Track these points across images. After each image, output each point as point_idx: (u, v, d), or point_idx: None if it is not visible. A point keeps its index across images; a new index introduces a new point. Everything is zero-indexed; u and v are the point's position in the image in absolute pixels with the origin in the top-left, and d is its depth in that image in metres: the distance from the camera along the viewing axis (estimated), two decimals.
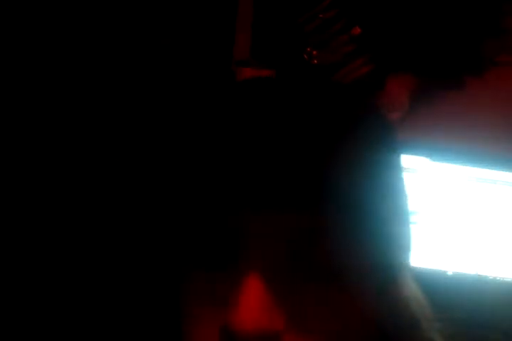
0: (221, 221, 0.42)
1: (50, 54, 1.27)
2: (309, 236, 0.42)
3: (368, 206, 0.42)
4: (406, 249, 0.49)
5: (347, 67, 1.30)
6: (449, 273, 1.27)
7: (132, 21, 1.31)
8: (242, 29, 1.42)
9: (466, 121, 1.32)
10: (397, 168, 0.47)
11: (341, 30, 1.31)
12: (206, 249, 0.43)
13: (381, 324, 0.45)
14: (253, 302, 0.41)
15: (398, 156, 0.47)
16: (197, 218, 0.43)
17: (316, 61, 1.32)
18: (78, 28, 1.28)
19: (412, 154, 1.26)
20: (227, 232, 0.42)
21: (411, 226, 0.48)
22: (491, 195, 1.27)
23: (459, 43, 1.28)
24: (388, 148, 0.46)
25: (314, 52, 1.32)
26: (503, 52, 1.31)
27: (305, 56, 1.33)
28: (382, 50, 1.29)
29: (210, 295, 0.43)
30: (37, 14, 1.26)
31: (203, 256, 0.43)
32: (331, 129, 0.42)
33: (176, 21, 1.35)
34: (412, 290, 0.49)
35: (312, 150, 0.41)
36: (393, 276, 0.47)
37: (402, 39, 1.28)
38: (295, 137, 0.41)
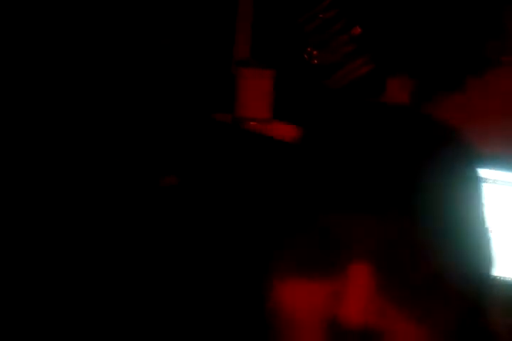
0: (322, 220, 0.45)
1: (50, 54, 1.27)
2: (405, 243, 0.44)
3: (455, 218, 0.45)
4: (491, 261, 0.52)
5: (347, 67, 1.30)
6: None
7: (133, 21, 1.31)
8: (242, 29, 1.42)
9: (466, 121, 1.31)
10: (476, 182, 0.50)
11: (341, 30, 1.31)
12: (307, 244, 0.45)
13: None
14: (363, 294, 0.43)
15: (476, 171, 0.50)
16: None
17: (316, 61, 1.32)
18: (78, 28, 1.28)
19: None
20: (325, 229, 0.45)
21: (491, 239, 0.51)
22: (491, 194, 1.27)
23: (460, 44, 1.28)
24: (469, 164, 0.49)
25: (314, 52, 1.32)
26: (504, 52, 1.31)
27: (305, 56, 1.33)
28: (383, 50, 1.29)
29: (302, 265, 0.45)
30: (37, 14, 1.26)
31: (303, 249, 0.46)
32: (421, 148, 0.46)
33: (176, 21, 1.35)
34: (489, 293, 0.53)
35: (406, 166, 0.45)
36: (481, 286, 0.50)
37: (402, 39, 1.28)
38: (392, 156, 0.45)
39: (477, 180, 0.50)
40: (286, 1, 1.37)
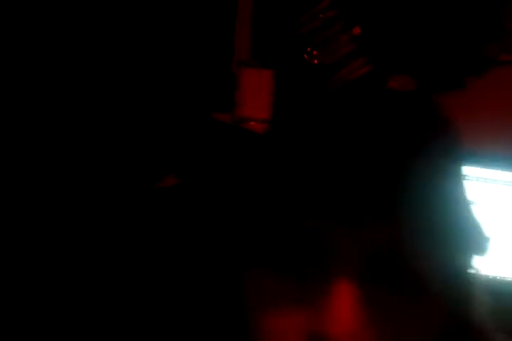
0: (302, 229, 0.43)
1: (50, 54, 1.27)
2: (389, 248, 0.43)
3: (440, 214, 0.44)
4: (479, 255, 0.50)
5: (347, 67, 1.30)
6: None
7: (132, 22, 1.31)
8: (242, 29, 1.42)
9: (466, 121, 1.31)
10: (460, 177, 0.49)
11: (341, 30, 1.31)
12: (282, 250, 0.44)
13: (452, 331, 0.47)
14: (347, 308, 0.41)
15: (461, 166, 0.49)
16: (280, 223, 0.44)
17: (316, 61, 1.32)
18: (78, 28, 1.28)
19: None
20: (306, 240, 0.43)
21: (483, 232, 0.50)
22: (491, 194, 1.27)
23: (460, 43, 1.28)
24: (454, 159, 0.49)
25: (314, 52, 1.32)
26: (504, 52, 1.32)
27: (305, 56, 1.33)
28: (383, 50, 1.29)
29: (279, 295, 0.44)
30: (37, 14, 1.26)
31: (277, 257, 0.44)
32: (403, 144, 0.44)
33: (176, 21, 1.35)
34: (479, 299, 0.51)
35: (386, 165, 0.43)
36: (467, 284, 0.48)
37: (402, 39, 1.28)
38: (371, 154, 0.43)
39: (460, 179, 0.49)
40: (286, 1, 1.37)
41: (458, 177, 0.49)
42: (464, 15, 1.28)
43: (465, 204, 0.48)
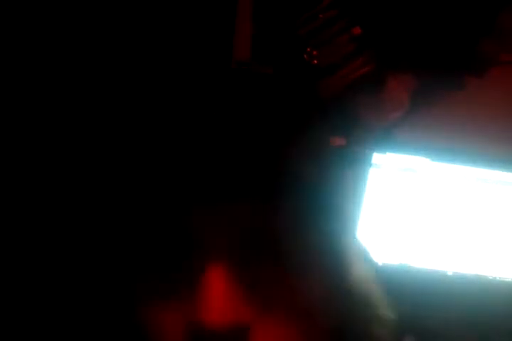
0: (171, 219, 0.43)
1: (50, 54, 1.27)
2: (259, 223, 0.42)
3: (315, 193, 0.43)
4: (351, 228, 0.50)
5: (347, 67, 1.30)
6: (449, 273, 1.27)
7: (132, 22, 1.31)
8: (242, 29, 1.42)
9: (466, 121, 1.31)
10: (341, 168, 0.48)
11: (341, 30, 1.31)
12: (157, 250, 0.44)
13: (334, 302, 0.46)
14: (219, 294, 0.41)
15: (340, 156, 0.48)
16: (146, 219, 0.44)
17: (316, 61, 1.32)
18: (78, 29, 1.28)
19: (411, 154, 1.26)
20: (179, 230, 0.43)
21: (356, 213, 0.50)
22: (491, 195, 1.27)
23: (459, 43, 1.28)
24: (331, 147, 0.48)
25: (314, 52, 1.32)
26: (502, 51, 1.31)
27: (305, 56, 1.33)
28: (383, 50, 1.29)
29: (166, 294, 0.43)
30: (37, 14, 1.26)
31: (154, 258, 0.44)
32: (283, 126, 0.43)
33: (175, 21, 1.35)
34: (361, 269, 0.50)
35: (262, 144, 0.42)
36: (341, 257, 0.47)
37: (402, 38, 1.28)
38: (248, 133, 0.42)
39: (342, 166, 0.48)
40: (286, 1, 1.37)
41: (337, 166, 0.47)
42: (463, 15, 1.28)
43: (344, 192, 0.47)
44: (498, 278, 1.29)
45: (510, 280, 1.29)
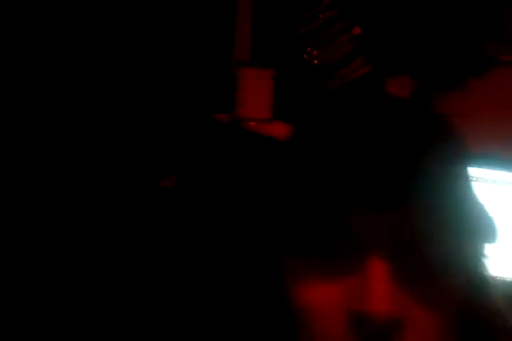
0: (334, 214, 0.46)
1: (50, 54, 1.27)
2: (410, 234, 0.46)
3: (451, 207, 0.48)
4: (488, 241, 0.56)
5: (347, 67, 1.30)
6: None
7: (132, 22, 1.31)
8: (242, 29, 1.42)
9: (466, 121, 1.31)
10: (467, 175, 0.53)
11: (341, 30, 1.31)
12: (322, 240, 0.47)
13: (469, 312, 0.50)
14: (380, 285, 0.44)
15: (467, 166, 0.53)
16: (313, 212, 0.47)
17: (316, 61, 1.32)
18: (77, 29, 1.28)
19: None
20: (339, 224, 0.46)
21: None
22: (491, 195, 1.27)
23: (460, 44, 1.28)
24: (462, 157, 0.53)
25: (314, 52, 1.32)
26: (503, 52, 1.31)
27: (305, 56, 1.33)
28: (383, 50, 1.29)
29: (331, 280, 0.47)
30: (38, 14, 1.26)
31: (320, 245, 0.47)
32: (417, 142, 0.48)
33: (176, 22, 1.35)
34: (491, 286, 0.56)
35: (404, 161, 0.46)
36: (479, 273, 0.54)
37: (402, 39, 1.28)
38: (391, 150, 0.47)
39: (468, 174, 0.53)
40: (286, 1, 1.37)
41: (466, 173, 0.53)
42: (464, 16, 1.28)
43: (473, 197, 0.52)
44: (498, 278, 1.29)
45: (510, 280, 1.29)
